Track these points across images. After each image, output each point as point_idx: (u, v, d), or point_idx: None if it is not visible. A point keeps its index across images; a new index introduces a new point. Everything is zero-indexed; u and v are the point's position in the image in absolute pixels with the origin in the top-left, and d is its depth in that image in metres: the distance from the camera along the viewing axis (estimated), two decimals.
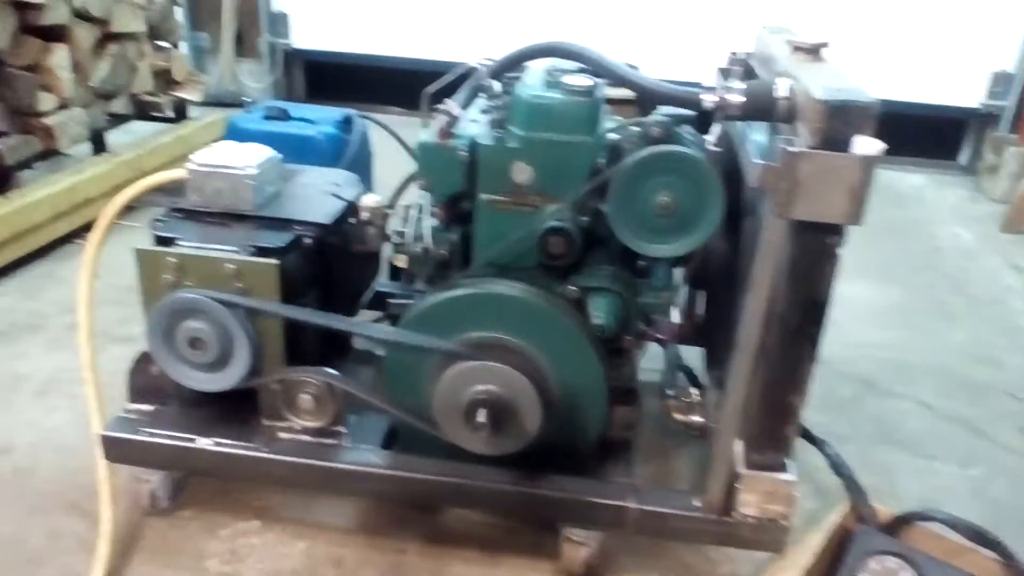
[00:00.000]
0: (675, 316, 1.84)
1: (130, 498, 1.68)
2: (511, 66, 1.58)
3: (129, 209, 1.71)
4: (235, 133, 2.24)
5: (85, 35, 3.04)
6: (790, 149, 1.15)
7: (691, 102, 1.38)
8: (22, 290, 2.59)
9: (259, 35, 4.72)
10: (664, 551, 1.66)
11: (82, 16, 3.00)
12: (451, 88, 1.58)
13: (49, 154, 2.98)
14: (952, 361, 2.48)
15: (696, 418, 1.57)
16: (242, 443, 1.58)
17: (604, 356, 1.49)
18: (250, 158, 1.62)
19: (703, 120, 1.50)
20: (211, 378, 1.55)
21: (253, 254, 1.51)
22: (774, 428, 1.35)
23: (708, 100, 1.32)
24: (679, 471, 1.89)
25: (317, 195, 1.73)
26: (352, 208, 1.71)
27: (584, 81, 1.45)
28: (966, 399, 2.28)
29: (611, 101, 1.64)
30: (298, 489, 1.74)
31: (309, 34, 4.77)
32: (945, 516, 1.44)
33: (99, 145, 3.29)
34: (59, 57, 2.89)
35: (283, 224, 1.60)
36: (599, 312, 1.45)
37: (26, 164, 2.89)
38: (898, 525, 1.49)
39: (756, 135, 1.44)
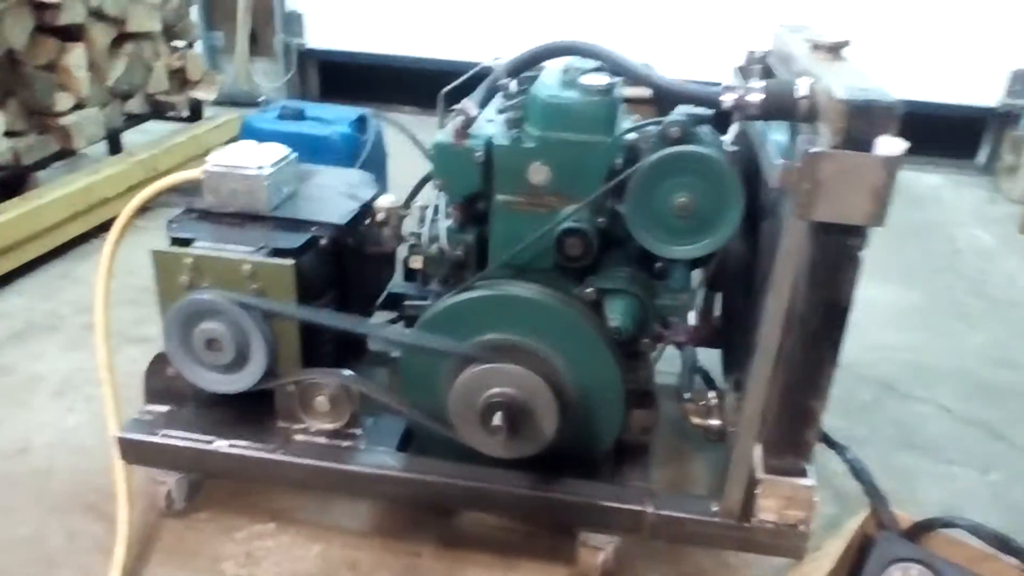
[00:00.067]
0: (692, 318, 1.83)
1: (147, 499, 1.68)
2: (527, 65, 1.57)
3: (145, 209, 1.71)
4: (250, 133, 2.24)
5: (101, 35, 3.06)
6: (811, 149, 1.13)
7: (710, 101, 1.37)
8: (39, 290, 2.61)
9: (274, 34, 4.73)
10: (681, 556, 1.65)
11: (98, 16, 3.02)
12: (467, 88, 1.57)
13: (65, 154, 3.00)
14: (972, 364, 2.45)
15: (714, 422, 1.55)
16: (258, 445, 1.58)
17: (621, 359, 1.48)
18: (266, 158, 1.62)
19: (721, 120, 1.49)
20: (227, 380, 1.55)
21: (269, 255, 1.51)
22: (794, 432, 1.34)
23: (727, 99, 1.31)
24: (696, 475, 1.88)
25: (332, 196, 1.73)
26: (367, 209, 1.71)
27: (601, 80, 1.43)
28: (986, 402, 2.25)
29: (628, 100, 1.63)
30: (313, 491, 1.74)
31: (324, 33, 4.77)
32: (967, 523, 1.42)
33: (115, 145, 3.31)
34: (75, 57, 2.90)
35: (299, 225, 1.60)
36: (616, 314, 1.43)
37: (42, 164, 2.91)
38: (919, 531, 1.47)
39: (776, 135, 1.42)
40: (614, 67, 1.48)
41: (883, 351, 2.44)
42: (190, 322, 1.51)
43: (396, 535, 1.68)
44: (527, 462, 1.48)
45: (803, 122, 1.27)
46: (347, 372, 1.54)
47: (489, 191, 1.48)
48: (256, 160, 1.60)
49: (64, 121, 2.91)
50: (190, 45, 3.71)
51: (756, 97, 1.28)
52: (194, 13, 3.83)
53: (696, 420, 1.57)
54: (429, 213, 1.58)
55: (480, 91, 1.55)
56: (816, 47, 1.40)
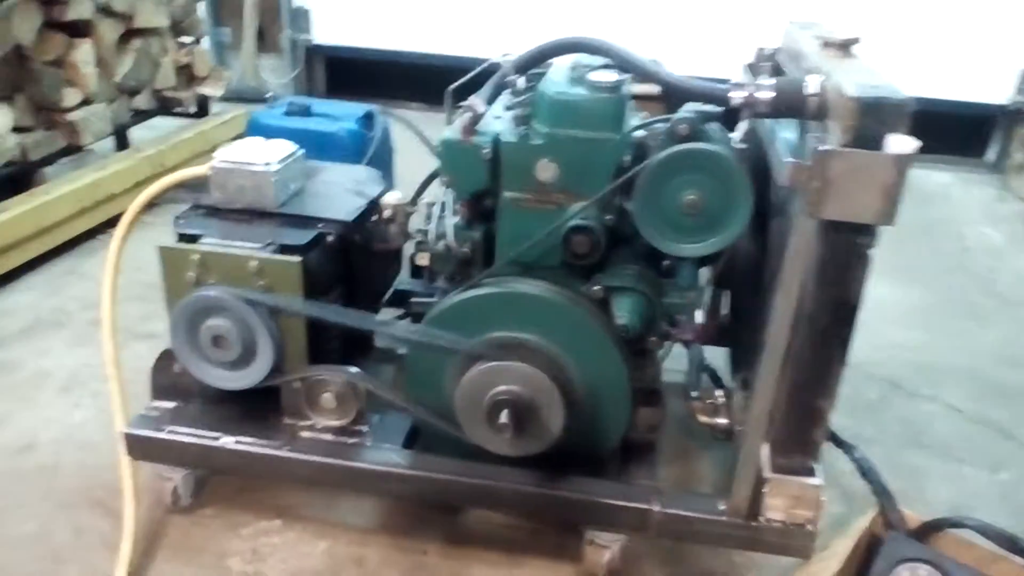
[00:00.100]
0: (699, 316, 1.82)
1: (153, 495, 1.69)
2: (535, 62, 1.57)
3: (152, 205, 1.71)
4: (257, 129, 2.23)
5: (109, 30, 3.06)
6: (821, 147, 1.13)
7: (720, 99, 1.36)
8: (46, 286, 2.61)
9: (280, 30, 4.73)
10: (688, 555, 1.64)
11: (106, 11, 3.03)
12: (474, 84, 1.56)
13: (72, 150, 3.01)
14: (981, 363, 2.43)
15: (721, 420, 1.54)
16: (264, 441, 1.57)
17: (628, 357, 1.47)
18: (273, 155, 1.61)
19: (729, 117, 1.48)
20: (233, 376, 1.55)
21: (276, 251, 1.51)
22: (802, 432, 1.33)
23: (737, 96, 1.30)
24: (702, 473, 1.87)
25: (339, 192, 1.73)
26: (374, 205, 1.70)
27: (609, 77, 1.43)
28: (996, 402, 2.24)
29: (636, 97, 1.62)
30: (319, 488, 1.74)
31: (330, 29, 4.77)
32: (976, 523, 1.40)
33: (122, 141, 3.32)
34: (83, 52, 2.91)
35: (306, 221, 1.60)
36: (623, 312, 1.43)
37: (50, 160, 2.92)
38: (928, 531, 1.46)
39: (785, 132, 1.41)
40: (622, 64, 1.48)
41: (891, 349, 2.43)
42: (197, 318, 1.51)
43: (402, 532, 1.68)
44: (533, 460, 1.48)
45: (813, 120, 1.26)
46: (353, 369, 1.54)
47: (496, 188, 1.48)
48: (263, 156, 1.60)
49: (71, 117, 2.92)
50: (197, 41, 3.71)
51: (766, 94, 1.27)
52: (201, 9, 3.83)
53: (703, 418, 1.56)
54: (436, 210, 1.57)
55: (488, 88, 1.54)
56: (826, 44, 1.39)
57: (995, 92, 4.20)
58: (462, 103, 1.48)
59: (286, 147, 1.66)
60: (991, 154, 4.40)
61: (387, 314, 1.92)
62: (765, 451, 1.37)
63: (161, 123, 3.60)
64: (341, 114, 2.32)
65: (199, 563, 1.59)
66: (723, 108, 1.38)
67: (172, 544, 1.63)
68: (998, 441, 2.08)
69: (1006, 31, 4.06)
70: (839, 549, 1.40)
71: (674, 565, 1.63)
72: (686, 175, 1.35)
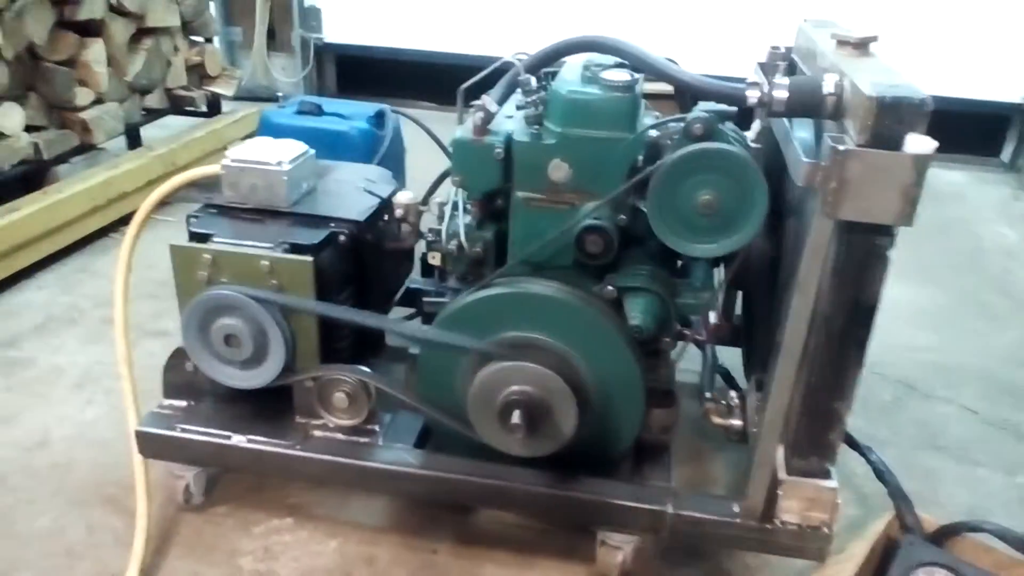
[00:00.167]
0: (712, 316, 1.81)
1: (165, 493, 1.69)
2: (548, 61, 1.56)
3: (164, 204, 1.72)
4: (268, 128, 2.23)
5: (120, 30, 3.07)
6: (839, 147, 1.11)
7: (735, 98, 1.35)
8: (59, 284, 2.62)
9: (291, 29, 4.74)
10: (701, 557, 1.63)
11: (117, 11, 3.04)
12: (487, 83, 1.55)
13: (85, 148, 3.02)
14: (997, 364, 2.41)
15: (735, 422, 1.53)
16: (276, 441, 1.57)
17: (641, 357, 1.46)
18: (284, 154, 1.61)
19: (743, 117, 1.47)
20: (245, 375, 1.55)
21: (287, 251, 1.51)
22: (818, 434, 1.32)
23: (752, 96, 1.29)
24: (716, 475, 1.86)
25: (351, 191, 1.72)
26: (386, 205, 1.70)
27: (623, 76, 1.42)
28: (1012, 403, 2.22)
29: (648, 96, 1.61)
30: (331, 487, 1.74)
31: (341, 28, 4.77)
32: (994, 527, 1.39)
33: (134, 139, 3.33)
34: (95, 52, 2.92)
35: (317, 221, 1.59)
36: (636, 313, 1.42)
37: (62, 159, 2.93)
38: (945, 535, 1.44)
39: (800, 132, 1.40)
40: (637, 63, 1.47)
41: (905, 351, 2.41)
42: (209, 317, 1.51)
43: (413, 531, 1.67)
44: (546, 460, 1.47)
45: (829, 119, 1.25)
46: (365, 368, 1.53)
47: (508, 188, 1.47)
48: (275, 156, 1.60)
49: (84, 116, 2.93)
50: (208, 40, 3.73)
51: (781, 93, 1.26)
52: (212, 8, 3.84)
53: (717, 420, 1.55)
54: (448, 209, 1.57)
55: (500, 87, 1.53)
56: (842, 43, 1.38)
57: (1010, 91, 4.16)
58: (474, 102, 1.47)
59: (297, 146, 1.66)
60: (1006, 153, 4.36)
61: (399, 313, 1.92)
62: (780, 453, 1.36)
63: (173, 122, 3.61)
64: (352, 113, 2.31)
65: (211, 561, 1.59)
66: (740, 107, 1.37)
67: (184, 542, 1.63)
68: (1014, 443, 2.06)
69: (1020, 28, 4.02)
70: (855, 552, 1.39)
71: (687, 567, 1.62)
72: (701, 175, 1.33)
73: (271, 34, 4.73)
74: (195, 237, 1.57)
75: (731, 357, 1.89)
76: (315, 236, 1.54)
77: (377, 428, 1.58)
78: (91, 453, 1.86)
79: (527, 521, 1.68)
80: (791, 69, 1.62)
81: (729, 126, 1.44)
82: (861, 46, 1.36)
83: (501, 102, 1.50)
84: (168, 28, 3.35)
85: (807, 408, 1.30)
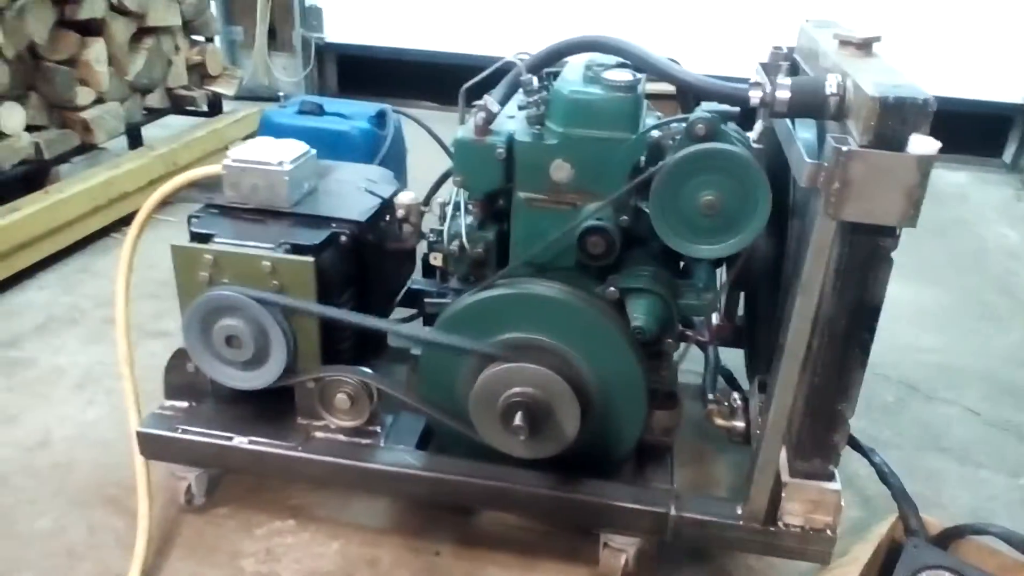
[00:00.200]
0: (715, 317, 1.80)
1: (167, 494, 1.69)
2: (550, 61, 1.55)
3: (165, 204, 1.71)
4: (269, 128, 2.23)
5: (121, 29, 3.07)
6: (842, 148, 1.11)
7: (738, 98, 1.35)
8: (60, 284, 2.62)
9: (292, 29, 4.73)
10: (704, 559, 1.63)
11: (118, 10, 3.03)
12: (488, 83, 1.55)
13: (86, 148, 3.02)
14: (999, 365, 2.40)
15: (738, 423, 1.53)
16: (277, 442, 1.57)
17: (643, 359, 1.46)
18: (286, 154, 1.61)
19: (745, 117, 1.46)
20: (247, 376, 1.54)
21: (289, 251, 1.51)
22: (821, 436, 1.31)
23: (755, 96, 1.28)
24: (718, 477, 1.86)
25: (352, 192, 1.72)
26: (387, 205, 1.70)
27: (625, 76, 1.41)
28: (1015, 404, 2.21)
29: (650, 97, 1.61)
30: (333, 488, 1.74)
31: (342, 28, 4.77)
32: (999, 530, 1.38)
33: (135, 139, 3.32)
34: (96, 51, 2.92)
35: (319, 221, 1.59)
36: (639, 314, 1.41)
37: (63, 158, 2.93)
38: (949, 538, 1.44)
39: (803, 132, 1.39)
40: (639, 63, 1.46)
41: (907, 351, 2.41)
42: (210, 318, 1.51)
43: (415, 533, 1.67)
44: (548, 462, 1.47)
45: (832, 120, 1.25)
46: (367, 370, 1.53)
47: (510, 188, 1.47)
48: (276, 156, 1.60)
49: (84, 115, 2.93)
50: (209, 39, 3.72)
51: (784, 94, 1.25)
52: (213, 8, 3.83)
53: (720, 421, 1.54)
54: (450, 210, 1.56)
55: (501, 87, 1.53)
56: (844, 43, 1.37)
57: (1011, 91, 4.15)
58: (476, 102, 1.47)
59: (299, 146, 1.66)
60: (1008, 154, 4.35)
61: (400, 314, 1.91)
62: (783, 455, 1.35)
63: (174, 121, 3.61)
64: (353, 113, 2.31)
65: (212, 562, 1.59)
66: (743, 108, 1.36)
67: (186, 543, 1.63)
68: (1017, 444, 2.06)
69: (1022, 29, 4.01)
70: (859, 555, 1.38)
71: (690, 569, 1.62)
72: (704, 175, 1.33)
73: (272, 33, 4.73)
74: (196, 237, 1.56)
75: (733, 358, 1.88)
76: (316, 236, 1.54)
77: (379, 429, 1.58)
78: (92, 454, 1.86)
79: (529, 523, 1.68)
80: (793, 69, 1.61)
81: (731, 127, 1.43)
82: (864, 46, 1.35)
83: (503, 102, 1.50)
84: (169, 27, 3.34)
85: (810, 410, 1.30)
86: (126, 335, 1.67)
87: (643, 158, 1.41)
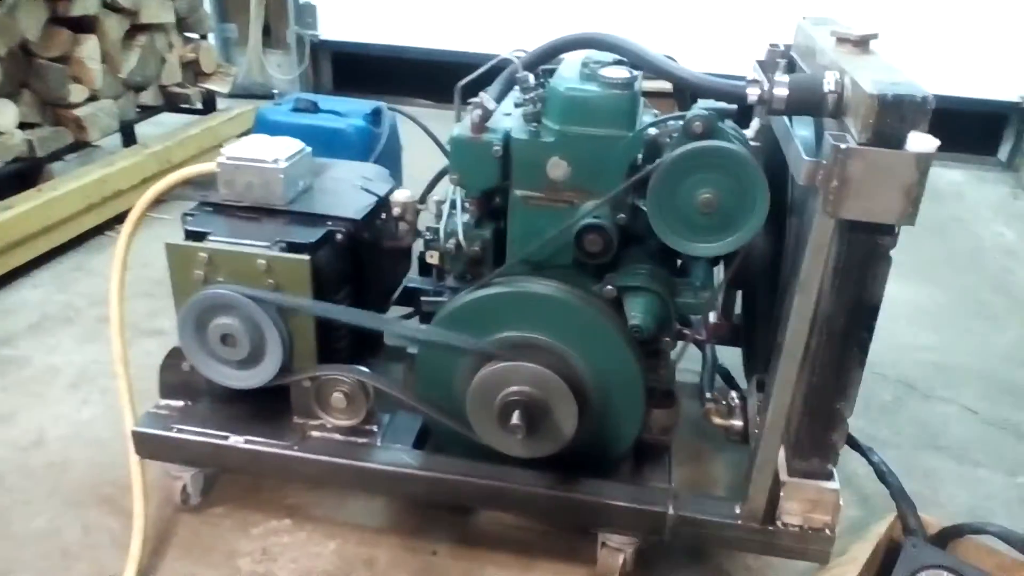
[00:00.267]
0: (712, 316, 1.80)
1: (162, 494, 1.68)
2: (546, 58, 1.55)
3: (159, 202, 1.70)
4: (264, 125, 2.21)
5: (114, 26, 3.05)
6: (840, 145, 1.10)
7: (736, 96, 1.34)
8: (54, 282, 2.61)
9: (287, 26, 4.71)
10: (702, 559, 1.63)
11: (111, 7, 3.01)
12: (484, 81, 1.54)
13: (79, 146, 3.00)
14: (996, 364, 2.40)
15: (736, 422, 1.52)
16: (273, 441, 1.56)
17: (641, 357, 1.45)
18: (280, 152, 1.60)
19: (742, 115, 1.46)
20: (242, 375, 1.53)
21: (284, 250, 1.50)
22: (819, 435, 1.31)
23: (752, 93, 1.28)
24: (716, 476, 1.85)
25: (348, 190, 1.71)
26: (383, 203, 1.69)
27: (622, 73, 1.40)
28: (1012, 403, 2.21)
29: (647, 94, 1.60)
30: (330, 488, 1.73)
31: (337, 25, 4.75)
32: (998, 529, 1.38)
33: (129, 137, 3.31)
34: (89, 48, 2.90)
35: (314, 219, 1.58)
36: (636, 312, 1.41)
37: (57, 156, 2.91)
38: (948, 537, 1.43)
39: (801, 130, 1.39)
40: (636, 60, 1.45)
41: (904, 350, 2.41)
42: (205, 317, 1.50)
43: (412, 532, 1.66)
44: (546, 461, 1.46)
45: (830, 117, 1.24)
46: (363, 368, 1.52)
47: (507, 186, 1.46)
48: (271, 153, 1.59)
49: (78, 113, 2.91)
50: (203, 37, 3.70)
51: (782, 91, 1.24)
52: (207, 5, 3.82)
53: (718, 420, 1.54)
54: (446, 208, 1.56)
55: (497, 84, 1.52)
56: (841, 40, 1.37)
57: (1008, 89, 4.16)
58: (471, 100, 1.46)
59: (294, 144, 1.65)
60: (1003, 152, 4.35)
61: (396, 312, 1.90)
62: (782, 454, 1.35)
63: (168, 119, 3.59)
64: (349, 111, 2.30)
65: (209, 562, 1.58)
66: (740, 105, 1.36)
67: (182, 543, 1.62)
68: (1015, 443, 2.06)
69: (1019, 28, 4.01)
70: (857, 554, 1.38)
71: (688, 569, 1.61)
72: (701, 173, 1.32)
73: (266, 31, 4.71)
74: (191, 235, 1.55)
75: (731, 357, 1.88)
76: (312, 235, 1.53)
77: (375, 428, 1.57)
78: (87, 453, 1.85)
79: (527, 522, 1.67)
80: (790, 67, 1.61)
81: (729, 124, 1.43)
82: (861, 43, 1.35)
83: (499, 99, 1.49)
84: (162, 24, 3.32)
85: (809, 409, 1.29)
86: (121, 334, 1.65)
87: (640, 156, 1.41)
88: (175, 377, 1.62)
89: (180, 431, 1.59)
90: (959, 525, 1.44)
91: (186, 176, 1.68)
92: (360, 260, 1.63)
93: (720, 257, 1.51)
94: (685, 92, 1.60)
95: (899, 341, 2.44)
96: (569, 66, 1.51)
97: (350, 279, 1.62)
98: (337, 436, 1.58)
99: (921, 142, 1.09)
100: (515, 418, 1.37)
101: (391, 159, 2.27)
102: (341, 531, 1.66)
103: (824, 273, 1.20)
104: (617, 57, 1.49)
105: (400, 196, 1.67)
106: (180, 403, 1.64)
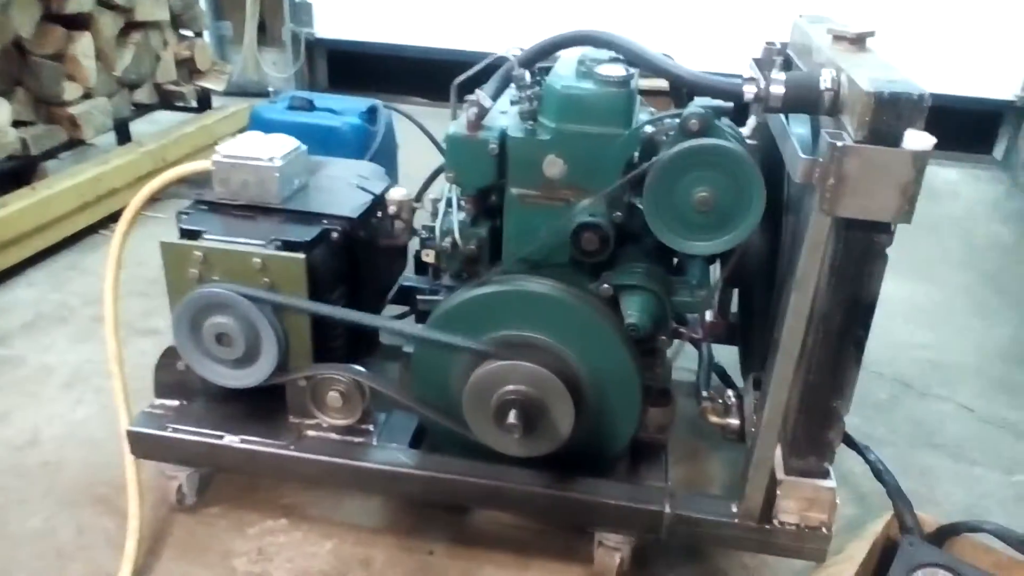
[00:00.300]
0: (709, 314, 1.79)
1: (157, 494, 1.67)
2: (542, 55, 1.53)
3: (154, 200, 1.69)
4: (259, 123, 2.21)
5: (109, 23, 3.04)
6: (837, 143, 1.10)
7: (732, 93, 1.33)
8: (48, 281, 2.59)
9: (282, 24, 4.70)
10: (698, 557, 1.62)
11: (106, 4, 3.00)
12: (480, 78, 1.53)
13: (74, 144, 2.99)
14: (992, 362, 2.41)
15: (732, 421, 1.52)
16: (269, 441, 1.56)
17: (637, 356, 1.45)
18: (276, 149, 1.59)
19: (738, 113, 1.45)
20: (238, 374, 1.53)
21: (279, 248, 1.49)
22: (816, 433, 1.31)
23: (749, 91, 1.27)
24: (713, 475, 1.85)
25: (344, 188, 1.70)
26: (379, 201, 1.68)
27: (618, 71, 1.40)
28: (1008, 401, 2.22)
29: (643, 92, 1.60)
30: (325, 487, 1.72)
31: (332, 23, 4.74)
32: (994, 527, 1.38)
33: (123, 135, 3.29)
34: (83, 45, 2.89)
35: (310, 218, 1.57)
36: (633, 311, 1.40)
37: (51, 154, 2.90)
38: (944, 535, 1.43)
39: (797, 128, 1.39)
40: (632, 58, 1.45)
41: (900, 348, 2.41)
42: (200, 316, 1.49)
43: (409, 532, 1.66)
44: (542, 460, 1.46)
45: (827, 115, 1.24)
46: (359, 368, 1.52)
47: (503, 184, 1.45)
48: (266, 151, 1.58)
49: (72, 111, 2.90)
50: (198, 35, 3.69)
51: (778, 89, 1.24)
52: (202, 2, 3.80)
53: (714, 419, 1.54)
54: (442, 206, 1.55)
55: (493, 82, 1.52)
56: (838, 38, 1.36)
57: (1003, 88, 4.16)
58: (468, 97, 1.45)
59: (289, 142, 1.64)
60: (999, 151, 4.36)
61: (392, 311, 1.90)
62: (778, 453, 1.35)
63: (162, 117, 3.58)
64: (344, 109, 2.29)
65: (204, 562, 1.57)
66: (737, 103, 1.35)
67: (177, 543, 1.61)
68: (1011, 441, 2.06)
69: (1014, 27, 4.02)
70: (854, 553, 1.38)
71: (684, 567, 1.61)
72: (698, 171, 1.32)
73: (262, 29, 4.69)
74: (186, 234, 1.55)
75: (727, 355, 1.88)
76: (307, 233, 1.52)
77: (371, 428, 1.57)
78: (82, 453, 1.84)
79: (524, 522, 1.67)
80: (787, 65, 1.61)
81: (725, 122, 1.43)
82: (858, 41, 1.35)
83: (495, 97, 1.48)
84: (157, 22, 3.31)
85: (805, 407, 1.29)
86: (115, 333, 1.65)
87: (636, 154, 1.40)
88: (170, 376, 1.62)
89: (175, 431, 1.58)
90: (955, 523, 1.44)
91: (181, 174, 1.67)
92: (356, 259, 1.63)
93: (716, 255, 1.50)
94: (681, 90, 1.59)
95: (895, 339, 2.44)
96: (565, 64, 1.51)
97: (346, 278, 1.62)
98: (333, 435, 1.57)
99: (917, 140, 1.09)
100: (512, 417, 1.37)
101: (387, 157, 2.27)
102: (337, 531, 1.66)
103: (820, 271, 1.20)
104: (613, 55, 1.48)
105: (396, 194, 1.66)
106: (175, 402, 1.64)
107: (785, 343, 1.26)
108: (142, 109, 3.38)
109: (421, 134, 2.02)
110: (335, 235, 1.56)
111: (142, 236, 1.69)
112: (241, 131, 1.72)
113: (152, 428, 1.59)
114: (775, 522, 1.38)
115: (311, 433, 1.58)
